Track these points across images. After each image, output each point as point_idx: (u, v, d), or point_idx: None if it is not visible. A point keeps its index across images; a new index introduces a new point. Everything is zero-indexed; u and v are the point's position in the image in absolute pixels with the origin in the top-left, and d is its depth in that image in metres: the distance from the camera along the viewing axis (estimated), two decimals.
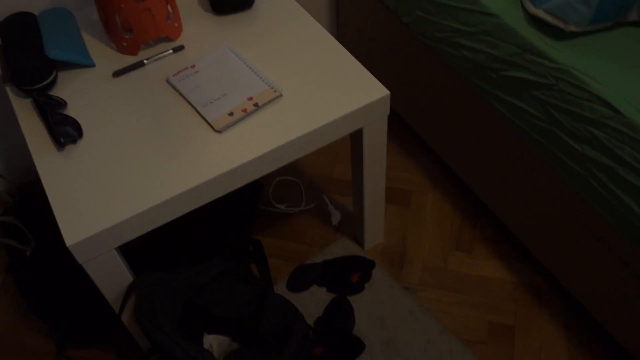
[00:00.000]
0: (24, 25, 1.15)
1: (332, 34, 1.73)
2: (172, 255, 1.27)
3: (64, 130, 1.00)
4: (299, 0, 1.47)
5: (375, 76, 1.35)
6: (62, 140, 0.99)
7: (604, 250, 1.05)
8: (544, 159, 1.09)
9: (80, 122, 1.04)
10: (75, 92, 1.09)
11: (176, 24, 1.17)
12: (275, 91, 1.05)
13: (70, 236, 0.89)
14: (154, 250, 1.25)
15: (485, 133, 1.23)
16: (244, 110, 1.03)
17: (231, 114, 1.02)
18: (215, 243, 1.32)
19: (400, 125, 1.60)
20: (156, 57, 1.13)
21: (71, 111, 1.06)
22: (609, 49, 1.00)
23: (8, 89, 1.11)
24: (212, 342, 1.10)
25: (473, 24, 1.12)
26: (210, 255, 1.25)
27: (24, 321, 1.32)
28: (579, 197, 1.05)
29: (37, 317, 1.23)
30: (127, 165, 0.97)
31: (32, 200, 1.35)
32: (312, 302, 1.30)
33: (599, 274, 1.08)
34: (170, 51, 1.14)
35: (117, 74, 1.11)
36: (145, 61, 1.12)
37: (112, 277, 0.98)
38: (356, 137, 1.13)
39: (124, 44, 1.14)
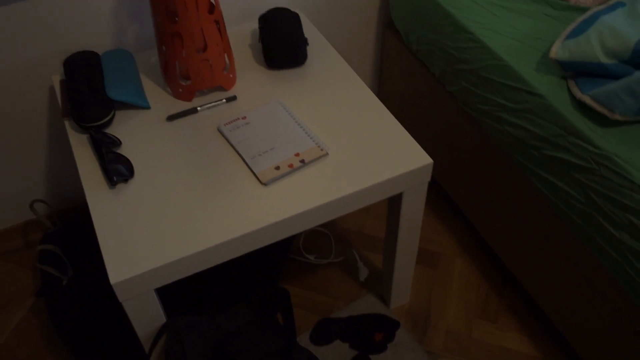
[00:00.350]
0: (88, 63, 1.21)
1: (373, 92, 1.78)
2: (201, 298, 1.29)
3: (117, 169, 1.04)
4: (345, 58, 1.52)
5: (413, 138, 1.38)
6: (115, 179, 1.03)
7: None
8: (580, 240, 1.10)
9: (132, 162, 1.08)
10: (130, 132, 1.14)
11: (231, 75, 1.22)
12: (321, 149, 1.09)
13: (115, 274, 0.91)
14: (183, 291, 1.27)
15: (521, 206, 1.25)
16: (291, 166, 1.06)
17: (278, 167, 1.06)
18: (244, 288, 1.34)
19: (434, 187, 1.63)
20: (209, 105, 1.18)
21: (125, 150, 1.10)
22: None
23: (66, 123, 1.16)
24: None
25: (518, 101, 1.15)
26: (238, 301, 1.27)
27: (49, 347, 1.34)
28: (615, 285, 1.05)
29: (65, 346, 1.25)
30: (175, 209, 1.00)
31: (72, 228, 1.39)
32: (334, 357, 1.30)
33: None
34: (223, 100, 1.19)
35: (171, 118, 1.16)
36: (198, 108, 1.17)
37: (147, 317, 1.00)
38: (395, 200, 1.15)
39: (180, 89, 1.19)
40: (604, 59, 1.06)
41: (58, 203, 1.54)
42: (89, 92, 1.15)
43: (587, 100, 1.04)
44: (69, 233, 1.37)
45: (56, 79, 1.26)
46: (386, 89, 1.70)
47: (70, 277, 1.25)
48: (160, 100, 1.20)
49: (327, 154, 1.09)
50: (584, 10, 1.25)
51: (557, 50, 1.11)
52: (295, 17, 1.28)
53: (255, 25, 1.39)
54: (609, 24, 1.09)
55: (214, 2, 1.14)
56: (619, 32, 1.06)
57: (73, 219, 1.48)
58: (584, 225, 1.06)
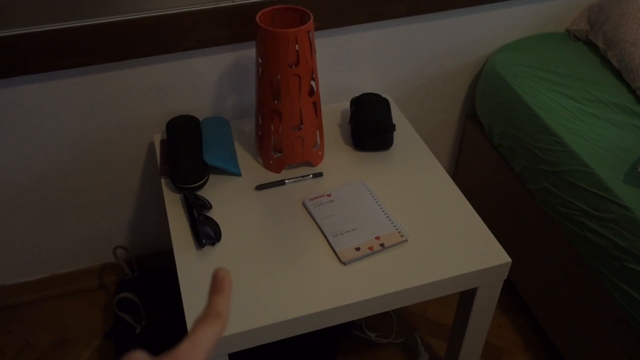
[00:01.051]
0: (188, 127, 1.31)
1: None
2: None
3: (206, 232, 1.10)
4: (424, 141, 1.56)
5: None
6: (204, 241, 1.09)
7: None
8: None
9: (220, 226, 1.14)
10: (220, 196, 1.21)
11: (320, 152, 1.28)
12: (401, 235, 1.11)
13: None
14: (247, 356, 1.29)
15: (595, 313, 1.22)
16: (370, 248, 1.09)
17: (358, 249, 1.09)
18: (303, 359, 1.35)
19: None
20: (297, 179, 1.24)
21: (214, 214, 1.17)
22: None
23: (163, 181, 1.24)
24: None
25: (602, 210, 1.15)
26: None
27: None
28: None
29: None
30: (256, 278, 1.05)
31: (149, 276, 1.45)
32: None
33: None
34: (310, 176, 1.25)
35: (260, 187, 1.22)
36: (286, 181, 1.23)
37: None
38: (467, 294, 1.16)
39: (271, 161, 1.25)
40: None
41: (137, 249, 1.62)
42: (187, 155, 1.23)
43: None
44: (146, 281, 1.43)
45: (157, 138, 1.36)
46: (462, 176, 1.73)
47: (144, 326, 1.30)
48: (250, 168, 1.27)
49: (406, 240, 1.11)
50: None
51: None
52: (386, 103, 1.34)
53: (345, 105, 1.46)
54: None
55: (314, 86, 1.21)
56: None
57: (150, 267, 1.55)
58: None
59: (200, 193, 1.21)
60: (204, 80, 1.36)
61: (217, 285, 0.39)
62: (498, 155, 1.49)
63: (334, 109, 1.46)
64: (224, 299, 0.38)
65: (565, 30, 1.60)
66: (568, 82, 1.40)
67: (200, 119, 1.37)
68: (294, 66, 1.14)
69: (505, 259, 1.08)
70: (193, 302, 1.01)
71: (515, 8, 1.51)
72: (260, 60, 1.16)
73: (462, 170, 1.73)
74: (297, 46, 1.12)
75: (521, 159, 1.38)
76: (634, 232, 1.08)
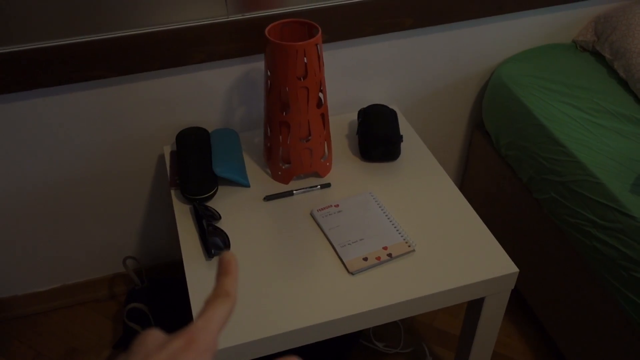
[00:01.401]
0: (198, 138, 1.32)
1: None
2: None
3: (215, 242, 1.11)
4: (432, 151, 1.57)
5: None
6: (213, 252, 1.10)
7: None
8: None
9: (229, 236, 1.15)
10: (229, 207, 1.22)
11: (328, 163, 1.29)
12: (409, 245, 1.12)
13: None
14: None
15: (604, 322, 1.22)
16: (378, 258, 1.10)
17: (365, 259, 1.10)
18: None
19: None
20: (305, 189, 1.25)
21: (223, 224, 1.18)
22: None
23: (172, 192, 1.26)
24: None
25: (609, 220, 1.15)
26: None
27: None
28: None
29: None
30: (264, 287, 1.06)
31: (158, 286, 1.47)
32: None
33: None
34: (318, 187, 1.26)
35: (268, 198, 1.23)
36: (294, 192, 1.24)
37: None
38: (475, 304, 1.16)
39: (279, 172, 1.27)
40: None
41: (147, 260, 1.64)
42: (196, 167, 1.25)
43: None
44: (155, 291, 1.44)
45: (167, 149, 1.38)
46: (470, 186, 1.73)
47: None
48: (259, 179, 1.29)
49: (413, 250, 1.12)
50: None
51: None
52: (393, 114, 1.35)
53: (353, 116, 1.48)
54: None
55: (322, 98, 1.23)
56: None
57: (160, 277, 1.56)
58: None
59: (209, 204, 1.23)
60: (214, 93, 1.38)
61: (223, 267, 0.41)
62: (505, 165, 1.50)
63: (342, 120, 1.47)
64: (232, 280, 0.40)
65: (572, 41, 1.61)
66: (575, 92, 1.40)
67: (210, 131, 1.39)
68: (302, 78, 1.16)
69: (513, 269, 1.08)
70: None
71: (521, 19, 1.52)
72: (269, 73, 1.18)
73: (469, 181, 1.74)
74: (305, 59, 1.14)
75: (528, 169, 1.38)
76: None
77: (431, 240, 1.14)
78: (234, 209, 1.22)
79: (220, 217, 1.19)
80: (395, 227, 1.16)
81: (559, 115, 1.34)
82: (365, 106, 1.40)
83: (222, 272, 0.41)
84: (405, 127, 1.43)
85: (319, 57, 1.16)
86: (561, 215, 1.28)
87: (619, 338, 1.18)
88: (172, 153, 1.36)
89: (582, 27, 1.59)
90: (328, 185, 1.27)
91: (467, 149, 1.74)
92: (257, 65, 1.37)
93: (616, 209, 1.14)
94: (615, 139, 1.27)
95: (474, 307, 1.18)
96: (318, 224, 1.18)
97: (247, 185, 1.27)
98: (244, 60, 1.36)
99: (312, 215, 1.20)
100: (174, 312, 1.36)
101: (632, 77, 1.39)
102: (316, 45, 1.14)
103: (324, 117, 1.24)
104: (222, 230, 1.15)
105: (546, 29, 1.57)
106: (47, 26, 1.17)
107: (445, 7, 1.40)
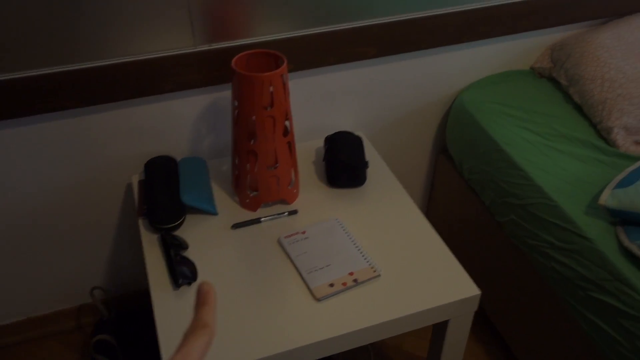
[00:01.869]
0: (166, 167, 1.33)
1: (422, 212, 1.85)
2: None
3: (183, 272, 1.12)
4: (398, 177, 1.60)
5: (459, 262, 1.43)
6: (180, 282, 1.10)
7: None
8: None
9: (197, 265, 1.16)
10: (197, 236, 1.23)
11: (295, 190, 1.31)
12: (374, 271, 1.14)
13: None
14: None
15: (565, 343, 1.26)
16: (344, 284, 1.12)
17: (332, 285, 1.11)
18: None
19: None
20: (272, 217, 1.27)
21: (191, 253, 1.19)
22: None
23: (140, 221, 1.26)
24: None
25: (566, 241, 1.19)
26: None
27: None
28: None
29: None
30: (232, 316, 1.06)
31: (125, 317, 1.46)
32: None
33: None
34: (286, 214, 1.28)
35: (236, 226, 1.25)
36: (262, 219, 1.26)
37: None
38: (440, 326, 1.19)
39: (247, 200, 1.28)
40: None
41: (114, 290, 1.63)
42: (164, 195, 1.26)
43: (634, 249, 1.08)
44: (123, 322, 1.43)
45: (135, 178, 1.38)
46: (435, 210, 1.77)
47: None
48: (227, 207, 1.30)
49: (379, 275, 1.14)
50: (633, 159, 1.31)
51: (607, 198, 1.16)
52: (358, 140, 1.39)
53: (320, 143, 1.50)
54: None
55: (288, 127, 1.25)
56: None
57: (127, 307, 1.55)
58: None
59: (177, 233, 1.23)
60: (182, 122, 1.40)
61: (202, 297, 0.40)
62: (469, 189, 1.54)
63: (309, 147, 1.50)
64: (210, 311, 0.40)
65: (530, 68, 1.67)
66: (533, 118, 1.46)
67: (179, 159, 1.40)
68: (268, 108, 1.18)
69: (475, 291, 1.11)
70: (170, 342, 1.02)
71: (481, 47, 1.57)
72: (236, 103, 1.20)
73: (435, 204, 1.78)
74: (271, 88, 1.16)
75: (490, 192, 1.43)
76: (597, 262, 1.13)
77: (396, 265, 1.16)
78: (202, 237, 1.23)
79: (187, 247, 1.20)
80: (361, 253, 1.18)
81: (518, 140, 1.39)
82: (331, 133, 1.43)
83: (200, 303, 0.40)
84: (371, 153, 1.46)
85: (285, 87, 1.18)
86: (522, 238, 1.32)
87: (580, 356, 1.22)
88: (140, 182, 1.37)
89: (540, 55, 1.65)
90: (295, 212, 1.28)
91: (433, 173, 1.78)
92: (225, 94, 1.40)
93: (572, 230, 1.18)
94: (571, 163, 1.33)
95: (439, 330, 1.20)
96: (285, 251, 1.19)
97: (215, 213, 1.28)
98: (212, 89, 1.38)
99: (279, 242, 1.21)
100: (142, 343, 1.35)
101: (586, 102, 1.45)
102: (281, 75, 1.16)
103: (291, 145, 1.26)
104: (189, 260, 1.15)
105: (505, 56, 1.63)
106: (14, 57, 1.18)
107: (408, 37, 1.45)
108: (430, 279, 1.14)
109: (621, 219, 1.16)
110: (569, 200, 1.22)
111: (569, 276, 1.19)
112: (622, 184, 1.18)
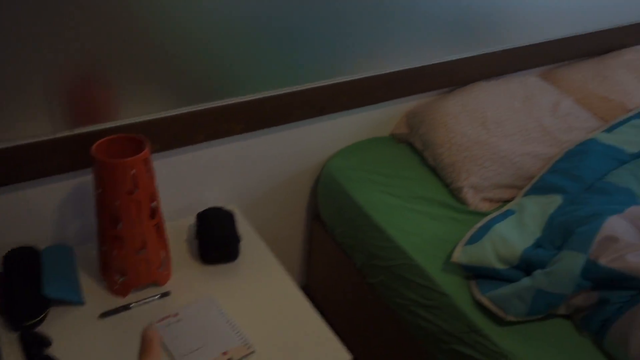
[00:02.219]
0: (27, 259, 1.27)
1: (302, 282, 1.89)
2: None
3: None
4: (275, 249, 1.64)
5: (339, 328, 1.47)
6: None
7: None
8: None
9: None
10: (62, 330, 1.17)
11: (166, 272, 1.30)
12: (248, 347, 1.15)
13: None
14: None
15: None
16: None
17: None
18: None
19: None
20: (143, 301, 1.24)
21: (55, 350, 1.13)
22: (543, 337, 1.15)
23: None
24: None
25: (428, 298, 1.28)
26: None
27: None
28: None
29: None
30: None
31: None
32: None
33: None
34: (157, 296, 1.26)
35: (104, 315, 1.21)
36: (132, 305, 1.23)
37: None
38: None
39: (116, 286, 1.25)
40: (498, 265, 1.22)
41: None
42: (24, 289, 1.19)
43: (485, 301, 1.18)
44: None
45: None
46: (315, 275, 1.82)
47: None
48: (96, 294, 1.26)
49: (253, 351, 1.15)
50: (482, 215, 1.44)
51: (459, 255, 1.26)
52: (230, 215, 1.41)
53: (193, 219, 1.51)
54: (500, 233, 1.27)
55: (155, 208, 1.25)
56: (508, 241, 1.24)
57: None
58: None
59: (41, 328, 1.17)
60: (44, 210, 1.35)
61: (145, 346, 0.39)
62: (342, 252, 1.61)
63: (181, 224, 1.50)
64: (154, 359, 0.38)
65: (390, 134, 1.80)
66: (393, 182, 1.57)
67: (42, 248, 1.34)
68: (133, 192, 1.18)
69: (346, 356, 1.15)
70: None
71: (343, 118, 1.68)
72: (99, 190, 1.18)
73: (314, 269, 1.82)
74: (134, 171, 1.16)
75: (360, 255, 1.50)
76: (455, 316, 1.21)
77: (271, 339, 1.18)
78: (67, 331, 1.17)
79: (50, 343, 1.14)
80: (235, 331, 1.18)
81: (380, 204, 1.48)
82: (203, 209, 1.44)
83: (143, 351, 0.39)
84: (244, 226, 1.49)
85: (149, 170, 1.19)
86: (391, 297, 1.39)
87: None
88: None
89: (397, 122, 1.79)
90: (167, 293, 1.27)
91: (310, 239, 1.83)
92: (89, 178, 1.37)
93: (431, 288, 1.26)
94: (429, 223, 1.43)
95: None
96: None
97: (81, 303, 1.23)
98: (76, 174, 1.35)
99: None
100: None
101: (438, 165, 1.58)
102: (144, 159, 1.17)
103: (159, 227, 1.26)
104: (52, 358, 1.09)
105: (367, 124, 1.74)
106: None
107: (272, 113, 1.52)
108: (303, 348, 1.16)
109: (474, 273, 1.26)
110: (428, 259, 1.32)
111: (433, 331, 1.26)
112: (472, 240, 1.29)
